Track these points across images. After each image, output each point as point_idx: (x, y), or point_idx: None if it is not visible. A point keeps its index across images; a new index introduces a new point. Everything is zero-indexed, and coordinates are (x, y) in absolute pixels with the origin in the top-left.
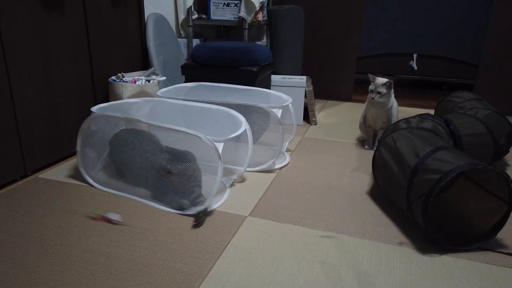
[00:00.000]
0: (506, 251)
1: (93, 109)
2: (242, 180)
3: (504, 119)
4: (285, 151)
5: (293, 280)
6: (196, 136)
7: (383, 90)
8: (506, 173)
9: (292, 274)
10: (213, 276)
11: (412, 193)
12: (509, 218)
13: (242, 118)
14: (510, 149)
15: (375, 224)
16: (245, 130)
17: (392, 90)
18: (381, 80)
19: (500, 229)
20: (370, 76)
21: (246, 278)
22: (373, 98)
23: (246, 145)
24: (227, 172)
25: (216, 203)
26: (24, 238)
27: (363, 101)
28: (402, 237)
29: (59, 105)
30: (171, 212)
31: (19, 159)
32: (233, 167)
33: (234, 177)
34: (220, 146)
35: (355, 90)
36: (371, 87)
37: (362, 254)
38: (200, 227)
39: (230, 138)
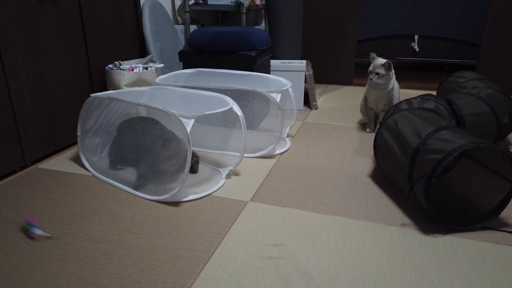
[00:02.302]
0: (510, 230)
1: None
2: (243, 166)
3: (507, 98)
4: (286, 136)
5: (295, 263)
6: (165, 112)
7: (382, 71)
8: (510, 152)
9: (294, 257)
10: (215, 261)
11: (414, 174)
12: None
13: (231, 101)
14: None
15: (377, 206)
16: (237, 115)
17: (393, 72)
18: (380, 60)
19: (503, 208)
20: (371, 55)
21: (248, 262)
22: (371, 79)
23: (246, 133)
24: (225, 160)
25: (209, 190)
26: None
27: (364, 85)
28: (404, 219)
29: (56, 95)
30: (155, 200)
31: (18, 150)
32: (233, 153)
33: (231, 167)
34: (189, 123)
35: (356, 74)
36: (370, 68)
37: (364, 236)
38: (201, 215)
39: (202, 114)
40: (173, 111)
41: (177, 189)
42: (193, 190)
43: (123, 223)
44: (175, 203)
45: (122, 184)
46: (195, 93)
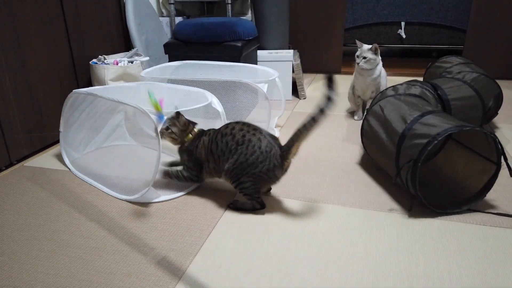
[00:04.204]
0: (496, 211)
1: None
2: None
3: (492, 81)
4: (274, 127)
5: (284, 251)
6: (137, 109)
7: (369, 55)
8: (493, 134)
9: (284, 245)
10: (204, 252)
11: (401, 159)
12: (498, 178)
13: (211, 96)
14: (498, 112)
15: (366, 193)
16: (217, 111)
17: (380, 58)
18: (367, 46)
19: (489, 190)
20: (358, 42)
21: (238, 252)
22: (358, 64)
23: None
24: None
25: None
26: (11, 226)
27: (352, 73)
28: (392, 204)
29: (39, 91)
30: (127, 200)
31: (2, 149)
32: None
33: None
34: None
35: (344, 62)
36: (357, 53)
37: (353, 223)
38: (190, 208)
39: (175, 111)
40: (144, 109)
41: (146, 190)
42: (166, 192)
43: (111, 218)
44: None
45: (100, 183)
46: (180, 88)
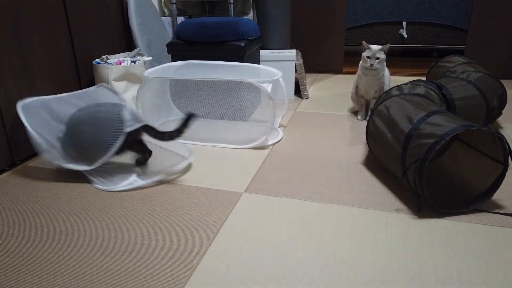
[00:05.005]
0: (503, 211)
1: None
2: (236, 157)
3: (496, 81)
4: (278, 127)
5: (292, 252)
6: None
7: (382, 55)
8: (500, 134)
9: (291, 246)
10: (211, 253)
11: (407, 159)
12: (505, 178)
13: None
14: (502, 111)
15: (372, 193)
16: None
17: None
18: (377, 46)
19: (495, 190)
20: (364, 43)
21: (245, 253)
22: (371, 65)
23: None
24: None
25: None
26: (16, 227)
27: (354, 73)
28: (399, 204)
29: (41, 91)
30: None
31: (6, 149)
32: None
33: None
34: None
35: (346, 62)
36: (367, 53)
37: (359, 223)
38: (196, 208)
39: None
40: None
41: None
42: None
43: (117, 219)
44: (168, 196)
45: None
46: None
